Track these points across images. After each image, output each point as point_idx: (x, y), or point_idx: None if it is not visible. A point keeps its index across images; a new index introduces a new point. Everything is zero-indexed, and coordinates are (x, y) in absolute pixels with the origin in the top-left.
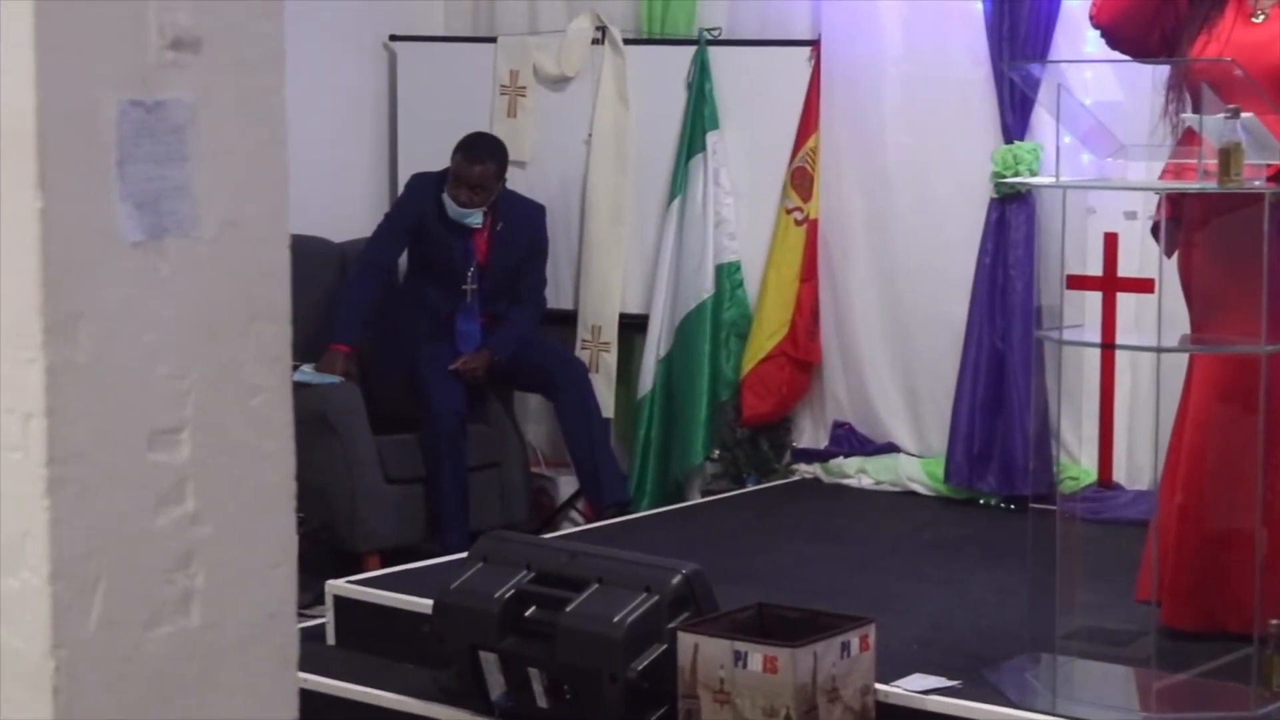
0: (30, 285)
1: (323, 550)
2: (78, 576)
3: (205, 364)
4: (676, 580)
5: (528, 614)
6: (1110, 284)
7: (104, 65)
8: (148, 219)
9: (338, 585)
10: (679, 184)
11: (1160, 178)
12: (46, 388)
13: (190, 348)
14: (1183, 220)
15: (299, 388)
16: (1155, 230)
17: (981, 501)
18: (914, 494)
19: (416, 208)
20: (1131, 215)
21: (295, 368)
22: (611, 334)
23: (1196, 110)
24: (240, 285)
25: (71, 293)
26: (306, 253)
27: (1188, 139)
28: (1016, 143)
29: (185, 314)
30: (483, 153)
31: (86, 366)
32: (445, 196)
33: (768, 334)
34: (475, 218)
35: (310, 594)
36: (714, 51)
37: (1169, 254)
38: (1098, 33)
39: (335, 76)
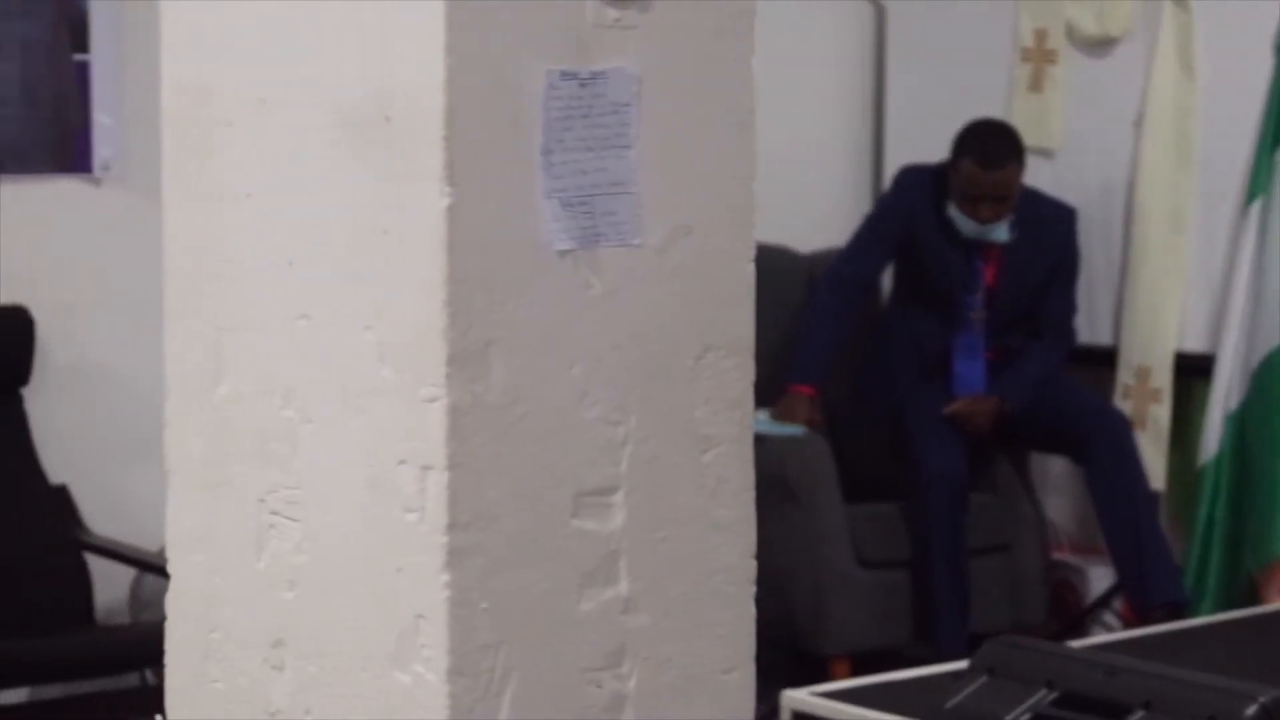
0: (433, 304)
1: (778, 651)
2: (483, 673)
3: (646, 407)
4: (1251, 711)
5: None
6: None
7: (529, 26)
8: (579, 222)
9: (797, 698)
10: (1261, 180)
11: None
12: (449, 433)
13: (628, 386)
14: None
15: (754, 441)
16: None
17: None
18: None
19: (907, 211)
20: None
21: None
22: (1164, 379)
23: None
24: (692, 308)
25: (483, 314)
26: (766, 266)
27: None
28: None
29: (622, 343)
30: (1000, 153)
31: (499, 408)
32: (953, 212)
33: None
34: (1001, 231)
35: (764, 706)
36: None
37: None
38: None
39: (805, 40)
